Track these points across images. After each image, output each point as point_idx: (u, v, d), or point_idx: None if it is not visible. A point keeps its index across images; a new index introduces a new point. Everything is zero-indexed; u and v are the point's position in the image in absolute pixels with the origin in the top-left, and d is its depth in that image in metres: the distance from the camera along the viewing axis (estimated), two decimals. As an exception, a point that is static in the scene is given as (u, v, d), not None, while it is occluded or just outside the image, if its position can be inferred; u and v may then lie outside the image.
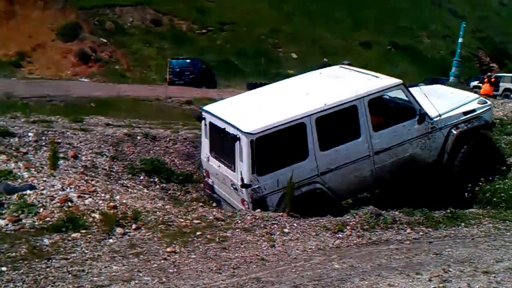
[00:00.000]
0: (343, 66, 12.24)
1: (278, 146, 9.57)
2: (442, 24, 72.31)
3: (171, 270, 6.50)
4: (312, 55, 52.73)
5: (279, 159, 9.59)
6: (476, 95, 12.42)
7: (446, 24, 70.34)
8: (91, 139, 11.40)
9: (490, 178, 10.70)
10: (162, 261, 6.77)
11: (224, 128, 9.67)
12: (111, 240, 7.25)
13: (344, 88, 10.39)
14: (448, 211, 9.26)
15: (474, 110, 11.19)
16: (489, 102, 11.84)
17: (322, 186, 9.77)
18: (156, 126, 13.83)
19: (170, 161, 11.88)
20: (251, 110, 10.13)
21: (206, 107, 10.83)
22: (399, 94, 10.67)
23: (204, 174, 11.11)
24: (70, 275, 6.10)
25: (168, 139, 12.58)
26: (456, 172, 10.89)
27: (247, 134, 9.14)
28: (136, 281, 6.08)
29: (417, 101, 10.46)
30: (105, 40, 41.42)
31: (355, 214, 8.79)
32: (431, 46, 67.10)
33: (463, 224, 8.91)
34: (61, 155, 10.09)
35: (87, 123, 13.07)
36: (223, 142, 9.88)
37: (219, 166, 10.17)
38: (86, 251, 6.83)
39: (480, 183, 10.65)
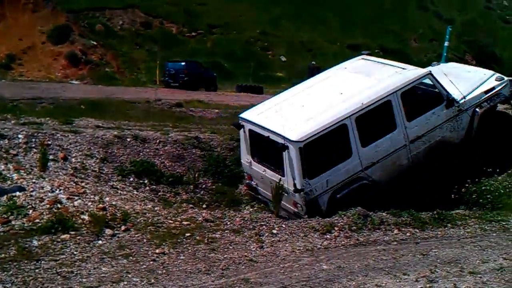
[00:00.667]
0: (365, 57, 12.40)
1: (324, 148, 9.95)
2: (429, 27, 72.70)
3: (160, 271, 6.48)
4: (301, 58, 52.88)
5: (325, 161, 10.03)
6: (491, 72, 12.68)
7: (433, 28, 70.71)
8: (81, 141, 11.32)
9: (477, 179, 10.76)
10: (151, 262, 6.75)
11: (268, 136, 9.99)
12: (100, 242, 7.22)
13: (376, 84, 10.66)
14: (435, 212, 9.30)
15: (493, 88, 11.62)
16: (505, 78, 12.15)
17: (367, 180, 10.22)
18: (146, 128, 13.76)
19: (160, 163, 11.81)
20: (290, 116, 10.29)
21: (244, 116, 11.07)
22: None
23: (246, 177, 11.46)
24: (59, 277, 6.07)
25: (158, 141, 12.51)
26: (482, 150, 11.37)
27: (295, 142, 9.48)
28: (125, 282, 6.05)
29: (444, 87, 10.91)
30: (95, 43, 41.24)
31: (343, 215, 8.81)
32: (418, 49, 67.42)
33: (449, 225, 8.95)
34: (51, 157, 10.01)
35: (77, 125, 12.98)
36: (268, 149, 10.26)
37: (264, 171, 10.50)
38: (75, 253, 6.79)
39: (467, 185, 10.70)
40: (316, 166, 9.83)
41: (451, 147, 11.19)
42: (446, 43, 29.22)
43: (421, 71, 10.99)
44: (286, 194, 9.83)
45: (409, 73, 10.90)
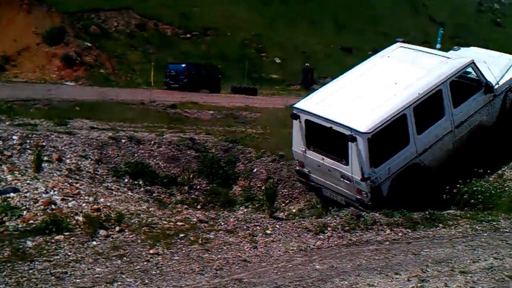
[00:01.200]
0: (402, 45, 12.66)
1: (387, 138, 10.32)
2: (421, 30, 72.90)
3: (154, 272, 6.47)
4: (295, 59, 52.89)
5: (388, 149, 10.45)
6: None
7: (425, 31, 70.90)
8: (75, 142, 11.30)
9: (468, 180, 10.80)
10: (145, 262, 6.73)
11: (331, 127, 10.27)
12: (94, 243, 7.20)
13: (427, 74, 11.16)
14: (427, 212, 9.33)
15: None
16: None
17: (421, 165, 10.85)
18: (141, 130, 13.75)
19: (154, 164, 11.81)
20: (351, 106, 10.69)
21: (299, 106, 11.25)
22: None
23: (297, 164, 11.66)
24: (53, 277, 6.05)
25: (152, 142, 12.51)
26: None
27: (363, 134, 9.85)
28: (119, 283, 6.04)
29: (483, 74, 11.60)
30: (90, 44, 41.11)
31: (336, 216, 8.84)
32: (411, 51, 67.51)
33: (441, 225, 8.98)
34: (45, 158, 9.98)
35: (71, 126, 12.97)
36: (328, 139, 10.59)
37: (322, 159, 10.77)
38: (69, 253, 6.77)
39: (458, 185, 10.74)
40: (380, 155, 10.24)
41: (486, 131, 11.86)
42: (438, 46, 29.31)
43: (465, 60, 11.56)
44: (348, 182, 10.31)
45: (456, 62, 11.46)
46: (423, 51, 12.29)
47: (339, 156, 10.44)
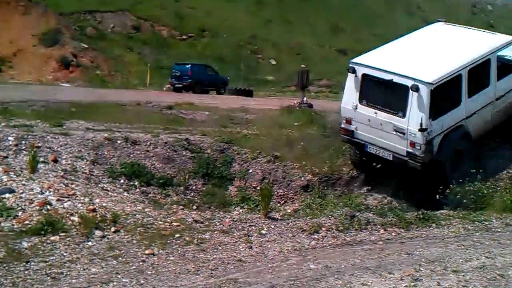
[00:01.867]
0: (446, 23, 13.73)
1: (444, 94, 10.82)
2: (416, 31, 72.95)
3: (149, 272, 6.47)
4: (290, 61, 52.94)
5: (443, 106, 10.93)
6: None
7: (419, 32, 70.97)
8: (71, 143, 11.27)
9: (461, 180, 10.84)
10: (141, 263, 6.73)
11: (392, 79, 10.78)
12: (90, 243, 7.19)
13: (477, 43, 12.01)
14: (420, 212, 9.37)
15: None
16: None
17: (466, 129, 11.53)
18: (137, 130, 13.72)
19: (150, 165, 11.78)
20: (411, 62, 11.27)
21: (357, 60, 11.82)
22: None
23: (344, 121, 12.03)
24: (48, 278, 6.04)
25: (148, 143, 12.49)
26: None
27: (428, 84, 10.39)
28: (115, 283, 6.04)
29: None
30: (86, 46, 41.07)
31: (330, 216, 8.86)
32: (405, 53, 67.74)
33: (434, 225, 9.03)
34: (41, 159, 9.96)
35: (67, 127, 12.92)
36: (385, 92, 11.14)
37: (375, 113, 11.22)
38: (65, 254, 6.76)
39: (451, 185, 10.78)
40: (437, 109, 10.70)
41: None
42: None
43: (510, 37, 12.40)
44: (401, 135, 10.79)
45: (503, 37, 12.43)
46: (466, 28, 13.42)
47: (395, 109, 10.89)
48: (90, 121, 14.29)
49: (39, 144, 10.72)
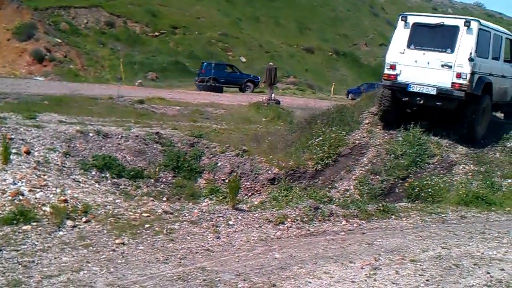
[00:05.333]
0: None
1: (485, 42, 12.79)
2: (379, 33, 73.91)
3: (119, 261, 6.41)
4: (259, 59, 53.00)
5: (481, 51, 12.58)
6: None
7: (382, 33, 71.91)
8: (44, 135, 11.08)
9: (419, 175, 11.06)
10: (111, 252, 6.67)
11: (442, 23, 12.75)
12: (61, 233, 7.09)
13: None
14: (380, 205, 9.51)
15: None
16: None
17: (491, 85, 13.14)
18: (108, 124, 13.58)
19: (121, 158, 11.67)
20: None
21: (408, 13, 13.68)
22: None
23: (388, 67, 13.31)
24: (20, 266, 5.94)
25: (120, 136, 12.37)
26: None
27: (477, 22, 12.37)
28: (85, 271, 5.97)
29: None
30: (59, 40, 40.31)
31: (295, 208, 8.92)
32: (368, 53, 68.52)
33: (393, 216, 9.18)
34: (14, 150, 9.75)
35: (40, 120, 12.71)
36: (435, 35, 12.81)
37: (423, 54, 12.74)
38: (37, 243, 6.66)
39: (409, 180, 10.99)
40: (479, 50, 12.36)
41: None
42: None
43: None
44: (448, 69, 12.28)
45: None
46: None
47: (444, 47, 12.48)
48: (63, 114, 14.09)
49: (12, 136, 10.51)
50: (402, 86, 13.05)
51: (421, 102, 12.87)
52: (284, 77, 50.06)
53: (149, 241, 7.17)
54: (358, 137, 13.99)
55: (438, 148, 12.77)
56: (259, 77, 40.42)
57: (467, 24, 12.14)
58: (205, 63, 39.23)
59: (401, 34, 13.21)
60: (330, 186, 12.60)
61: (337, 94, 40.05)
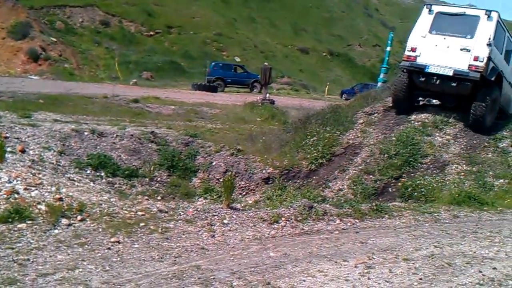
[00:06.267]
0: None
1: (500, 34, 13.58)
2: (373, 34, 74.10)
3: (114, 259, 6.41)
4: (254, 59, 53.01)
5: (499, 43, 13.51)
6: None
7: (376, 34, 72.13)
8: (39, 134, 11.06)
9: (412, 174, 11.09)
10: (106, 250, 6.66)
11: (464, 12, 13.54)
12: (56, 231, 7.08)
13: None
14: (374, 204, 9.53)
15: None
16: None
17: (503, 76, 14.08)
18: (103, 123, 13.56)
19: (116, 157, 11.67)
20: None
21: (432, 3, 14.42)
22: None
23: (409, 49, 13.98)
24: (15, 264, 5.92)
25: (115, 135, 12.36)
26: None
27: (496, 12, 13.12)
28: (80, 270, 5.96)
29: None
30: (55, 39, 40.16)
31: (289, 207, 8.93)
32: (362, 54, 68.69)
33: (386, 216, 9.20)
34: (9, 149, 9.73)
35: (35, 118, 12.68)
36: (456, 23, 13.56)
37: (444, 38, 13.49)
38: (32, 241, 6.64)
39: (403, 179, 11.01)
40: (495, 41, 13.08)
41: None
42: (388, 48, 29.81)
43: None
44: (467, 52, 12.98)
45: None
46: None
47: (464, 33, 13.24)
48: (58, 113, 14.06)
49: (7, 135, 10.48)
50: (420, 67, 13.71)
51: (437, 82, 13.59)
52: (278, 77, 50.12)
53: (144, 240, 7.17)
54: (352, 137, 14.03)
55: (431, 148, 12.81)
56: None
57: (488, 13, 13.01)
58: (212, 63, 39.40)
59: (424, 20, 14.00)
60: (324, 185, 12.62)
61: (331, 94, 40.14)
